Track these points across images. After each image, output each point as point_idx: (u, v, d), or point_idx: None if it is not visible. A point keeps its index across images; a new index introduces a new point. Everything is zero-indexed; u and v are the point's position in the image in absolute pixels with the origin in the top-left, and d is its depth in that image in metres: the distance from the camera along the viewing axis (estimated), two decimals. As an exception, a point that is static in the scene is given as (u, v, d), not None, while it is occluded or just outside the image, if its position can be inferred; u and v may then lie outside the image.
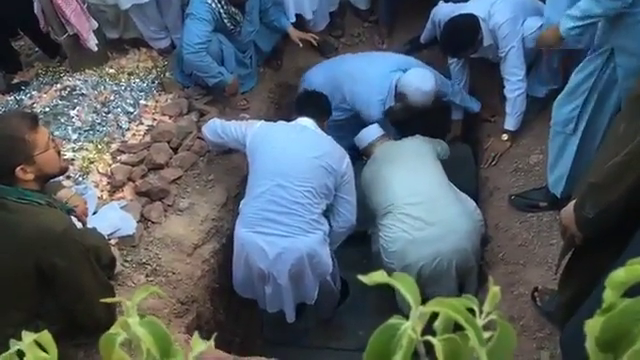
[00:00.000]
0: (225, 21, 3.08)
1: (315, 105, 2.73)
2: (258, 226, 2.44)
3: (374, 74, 3.07)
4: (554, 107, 2.37)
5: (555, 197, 2.49)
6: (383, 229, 2.64)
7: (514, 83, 2.87)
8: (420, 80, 2.95)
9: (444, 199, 2.65)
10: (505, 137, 2.99)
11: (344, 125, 3.21)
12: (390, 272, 0.45)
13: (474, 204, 2.77)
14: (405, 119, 3.19)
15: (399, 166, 2.78)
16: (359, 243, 2.92)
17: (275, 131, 2.63)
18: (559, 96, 2.35)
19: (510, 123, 2.96)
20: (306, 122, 2.63)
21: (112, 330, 0.48)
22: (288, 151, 2.51)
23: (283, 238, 2.41)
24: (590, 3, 2.00)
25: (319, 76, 3.27)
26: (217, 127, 2.76)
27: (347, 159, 2.57)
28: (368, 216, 2.85)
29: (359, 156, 3.10)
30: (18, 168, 1.65)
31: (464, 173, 3.24)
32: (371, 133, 3.03)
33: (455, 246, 2.54)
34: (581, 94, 2.22)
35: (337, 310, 3.02)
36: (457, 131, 3.43)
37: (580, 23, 2.06)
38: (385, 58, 3.22)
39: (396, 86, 3.01)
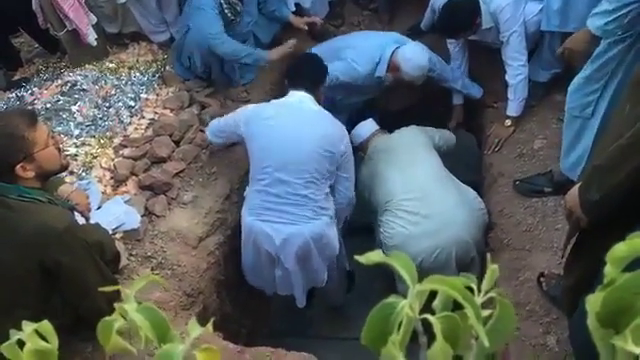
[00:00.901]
0: (226, 11, 3.07)
1: (308, 70, 2.57)
2: (263, 215, 2.45)
3: (372, 43, 3.09)
4: (569, 91, 2.32)
5: (565, 181, 2.46)
6: (382, 225, 2.65)
7: (516, 68, 2.84)
8: (415, 53, 2.99)
9: (441, 191, 2.64)
10: (508, 123, 2.98)
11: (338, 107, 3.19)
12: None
13: (474, 193, 2.76)
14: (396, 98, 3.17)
15: (394, 162, 2.77)
16: (365, 235, 2.91)
17: (269, 115, 2.49)
18: (575, 80, 2.29)
19: (512, 109, 2.94)
20: (301, 97, 2.49)
21: (109, 317, 0.48)
22: (286, 138, 2.41)
23: (288, 225, 2.42)
24: None
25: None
26: (215, 127, 2.75)
27: (346, 137, 2.51)
28: (371, 210, 2.86)
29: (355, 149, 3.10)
30: (18, 166, 1.65)
31: (468, 162, 3.22)
32: (366, 129, 3.03)
33: (454, 238, 2.53)
34: (601, 78, 2.16)
35: (346, 299, 3.03)
36: (459, 117, 3.41)
37: (617, 14, 1.94)
38: (385, 34, 3.24)
39: (391, 59, 3.01)
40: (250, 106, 2.64)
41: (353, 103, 3.24)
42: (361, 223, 2.80)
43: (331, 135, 2.43)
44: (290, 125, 2.44)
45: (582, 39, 2.11)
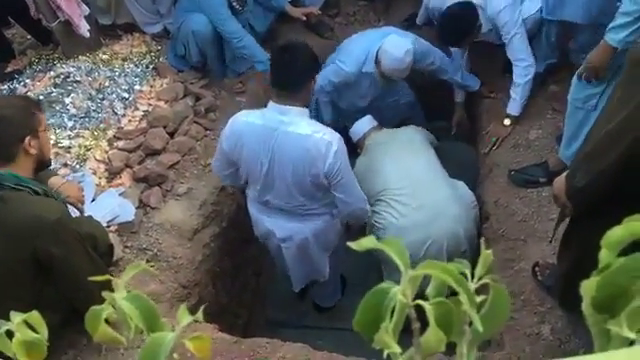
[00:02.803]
0: (233, 3, 3.08)
1: (294, 65, 2.09)
2: (264, 210, 2.40)
3: (361, 42, 3.00)
4: (574, 81, 2.32)
5: (561, 171, 2.46)
6: (374, 216, 2.64)
7: (524, 69, 2.80)
8: (393, 46, 2.81)
9: (433, 184, 2.65)
10: (507, 122, 2.92)
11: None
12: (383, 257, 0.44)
13: (465, 188, 2.76)
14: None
15: (390, 153, 2.78)
16: (358, 234, 2.90)
17: (251, 139, 2.16)
18: (578, 73, 2.29)
19: (515, 108, 2.89)
20: (280, 113, 2.11)
21: (98, 306, 0.47)
22: (259, 170, 2.19)
23: (288, 223, 2.37)
24: (633, 5, 1.95)
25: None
26: (215, 163, 2.44)
27: (331, 156, 2.07)
28: None
29: (353, 147, 3.07)
30: (27, 139, 1.68)
31: (469, 178, 3.12)
32: (364, 125, 3.03)
33: (446, 229, 2.53)
34: (606, 72, 2.18)
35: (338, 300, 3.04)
36: (461, 114, 3.37)
37: (634, 27, 1.99)
38: (378, 30, 3.12)
39: (377, 53, 2.90)
40: (230, 122, 2.27)
41: (360, 109, 3.20)
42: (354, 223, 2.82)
43: (307, 159, 2.10)
44: (262, 154, 2.15)
45: (604, 54, 2.10)
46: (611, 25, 2.05)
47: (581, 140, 2.35)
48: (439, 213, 2.54)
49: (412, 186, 2.61)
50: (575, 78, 2.32)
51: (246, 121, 2.19)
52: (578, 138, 2.38)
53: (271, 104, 2.15)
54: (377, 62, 2.89)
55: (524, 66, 2.80)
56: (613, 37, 2.04)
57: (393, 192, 2.61)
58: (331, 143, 2.08)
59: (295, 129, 2.09)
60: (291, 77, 2.09)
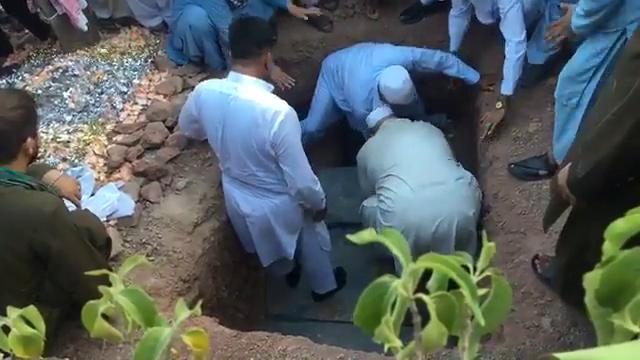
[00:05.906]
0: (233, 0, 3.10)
1: (247, 34, 2.24)
2: (234, 183, 2.52)
3: (358, 81, 3.21)
4: (560, 78, 2.33)
5: (555, 165, 2.47)
6: (384, 191, 2.68)
7: (516, 44, 2.77)
8: (390, 81, 3.08)
9: (445, 165, 2.74)
10: (499, 105, 2.89)
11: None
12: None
13: (470, 174, 2.81)
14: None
15: (405, 134, 2.90)
16: (356, 232, 2.90)
17: (209, 105, 2.33)
18: (564, 71, 2.30)
19: (507, 87, 2.85)
20: (236, 80, 2.24)
21: (94, 301, 0.47)
22: (216, 136, 2.34)
23: (253, 197, 2.49)
24: (588, 3, 2.00)
25: (334, 60, 3.41)
26: (180, 119, 2.68)
27: (278, 120, 2.15)
28: (365, 189, 2.87)
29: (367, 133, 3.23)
30: (29, 140, 1.69)
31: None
32: (380, 113, 3.15)
33: (456, 209, 2.58)
34: (587, 71, 2.19)
35: (335, 292, 3.05)
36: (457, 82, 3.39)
37: (587, 22, 2.07)
38: (362, 59, 3.24)
39: (379, 90, 3.16)
40: (196, 91, 2.43)
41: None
42: (351, 222, 2.84)
43: (254, 125, 2.19)
44: (217, 119, 2.29)
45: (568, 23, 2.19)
46: (576, 11, 2.11)
47: (567, 137, 2.36)
48: (451, 192, 2.61)
49: (425, 165, 2.69)
50: (561, 74, 2.32)
51: (207, 88, 2.36)
52: (565, 134, 2.40)
53: (230, 73, 2.30)
54: (383, 99, 3.15)
55: (516, 41, 2.77)
56: (574, 21, 2.12)
57: (405, 167, 2.67)
58: (279, 112, 2.16)
59: (246, 96, 2.21)
60: (244, 45, 2.23)
